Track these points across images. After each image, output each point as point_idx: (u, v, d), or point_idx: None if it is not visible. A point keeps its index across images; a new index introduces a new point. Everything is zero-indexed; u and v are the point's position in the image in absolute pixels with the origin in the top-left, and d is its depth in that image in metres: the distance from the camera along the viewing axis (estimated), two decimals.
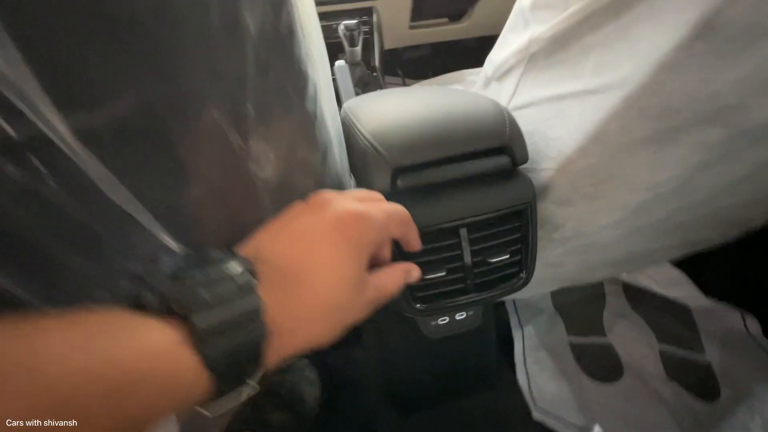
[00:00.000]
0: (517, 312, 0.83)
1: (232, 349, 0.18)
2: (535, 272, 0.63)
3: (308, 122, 0.26)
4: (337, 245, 0.23)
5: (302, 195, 0.27)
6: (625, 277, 0.85)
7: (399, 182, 0.35)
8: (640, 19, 0.29)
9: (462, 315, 0.47)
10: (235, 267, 0.20)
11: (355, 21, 0.71)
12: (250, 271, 0.20)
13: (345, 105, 0.44)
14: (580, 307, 0.85)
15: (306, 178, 0.30)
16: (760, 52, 0.26)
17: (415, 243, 0.31)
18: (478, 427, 0.60)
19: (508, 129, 0.36)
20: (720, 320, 0.78)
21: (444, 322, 0.47)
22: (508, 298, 0.85)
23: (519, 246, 0.38)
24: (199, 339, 0.17)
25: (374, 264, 0.27)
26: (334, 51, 0.86)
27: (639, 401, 0.68)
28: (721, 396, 0.67)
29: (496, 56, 0.46)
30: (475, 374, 0.62)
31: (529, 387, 0.68)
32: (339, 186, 0.36)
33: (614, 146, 0.34)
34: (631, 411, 0.66)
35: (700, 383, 0.69)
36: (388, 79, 1.18)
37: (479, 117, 0.37)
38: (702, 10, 0.25)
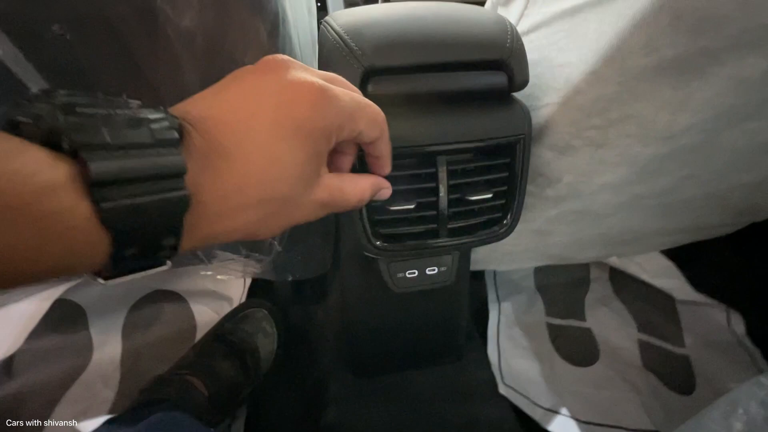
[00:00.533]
0: (496, 287, 0.79)
1: (138, 208, 0.14)
2: (521, 241, 0.58)
3: None
4: (284, 122, 0.18)
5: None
6: (613, 262, 0.80)
7: (370, 87, 0.29)
8: None
9: (433, 270, 0.42)
10: (154, 114, 0.15)
11: None
12: (176, 127, 0.16)
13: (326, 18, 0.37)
14: (562, 289, 0.81)
15: (245, 48, 0.23)
16: None
17: (384, 159, 0.25)
18: (439, 396, 0.56)
19: (509, 41, 0.30)
20: (704, 314, 0.75)
21: (412, 275, 0.42)
22: (488, 271, 0.80)
23: (505, 186, 0.33)
24: (93, 183, 0.13)
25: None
26: None
27: (611, 388, 0.64)
28: (696, 390, 0.65)
29: None
30: (442, 341, 0.57)
31: (499, 362, 0.64)
32: None
33: (634, 71, 0.28)
34: (601, 397, 0.63)
35: (676, 376, 0.66)
36: None
37: (476, 23, 0.30)
38: None
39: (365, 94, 0.28)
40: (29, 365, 0.62)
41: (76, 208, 0.13)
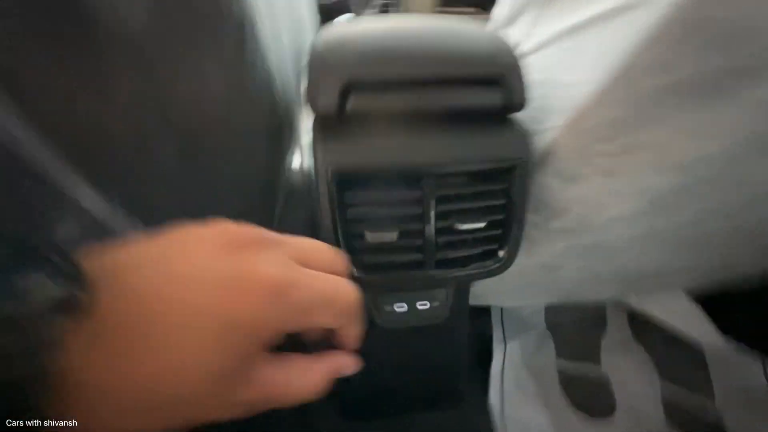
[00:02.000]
0: (502, 324, 0.73)
1: None
2: (528, 275, 0.54)
3: None
4: (218, 319, 0.15)
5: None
6: (632, 301, 0.74)
7: (350, 103, 0.26)
8: None
9: (425, 304, 0.38)
10: (43, 285, 0.13)
11: None
12: (65, 300, 0.13)
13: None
14: (576, 329, 0.75)
15: (201, 58, 0.21)
16: None
17: (350, 340, 0.22)
18: None
19: (506, 56, 0.27)
20: (736, 365, 0.67)
21: (401, 309, 0.38)
22: (494, 308, 0.75)
23: (502, 215, 0.29)
24: None
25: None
26: None
27: None
28: None
29: None
30: (439, 384, 0.52)
31: (502, 411, 0.58)
32: (271, 105, 0.28)
33: (645, 91, 0.25)
34: None
35: None
36: None
37: (469, 36, 0.28)
38: None
39: (343, 109, 0.26)
40: None
41: None
